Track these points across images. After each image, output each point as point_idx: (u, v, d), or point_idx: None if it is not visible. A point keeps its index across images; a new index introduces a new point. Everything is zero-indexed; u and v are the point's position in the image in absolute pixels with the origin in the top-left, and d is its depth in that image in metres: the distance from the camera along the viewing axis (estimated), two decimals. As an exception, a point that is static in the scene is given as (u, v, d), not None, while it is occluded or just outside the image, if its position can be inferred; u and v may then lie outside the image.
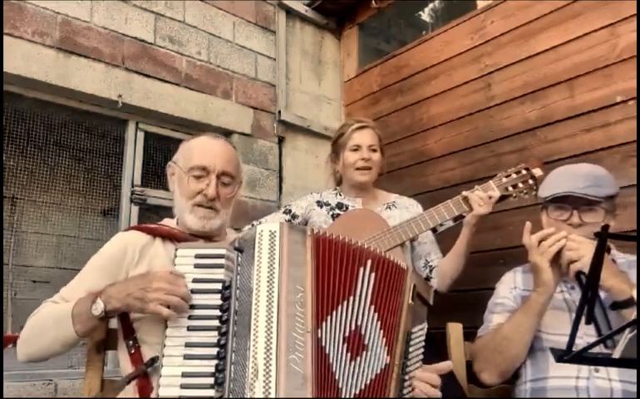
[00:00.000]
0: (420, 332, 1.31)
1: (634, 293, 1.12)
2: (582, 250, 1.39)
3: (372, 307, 1.20)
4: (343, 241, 1.22)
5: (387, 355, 1.20)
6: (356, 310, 1.18)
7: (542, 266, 1.46)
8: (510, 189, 1.94)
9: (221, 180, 1.46)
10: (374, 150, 2.15)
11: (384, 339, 1.21)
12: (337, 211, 2.15)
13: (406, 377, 1.24)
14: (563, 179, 1.60)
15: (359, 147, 2.13)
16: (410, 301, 1.27)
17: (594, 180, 1.55)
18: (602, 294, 1.28)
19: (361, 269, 1.21)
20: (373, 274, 1.22)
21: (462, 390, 1.71)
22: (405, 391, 1.23)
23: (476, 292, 2.28)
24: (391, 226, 1.99)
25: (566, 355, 0.92)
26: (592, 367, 1.42)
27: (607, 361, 1.07)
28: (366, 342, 1.18)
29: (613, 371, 1.41)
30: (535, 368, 1.53)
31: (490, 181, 1.96)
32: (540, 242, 1.48)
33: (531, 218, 2.28)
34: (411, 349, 1.27)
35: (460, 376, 1.72)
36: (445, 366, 1.32)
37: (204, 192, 1.43)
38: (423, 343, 1.31)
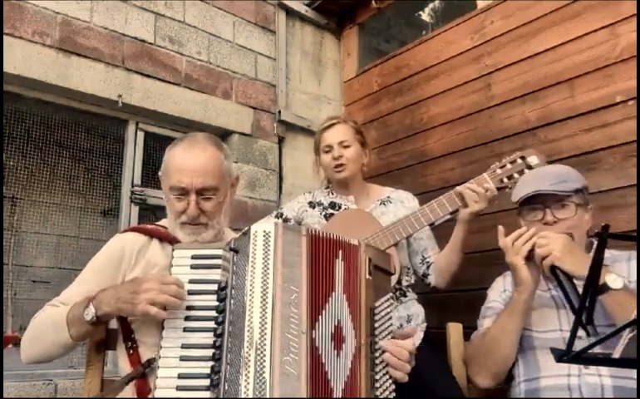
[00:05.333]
0: (385, 304, 1.28)
1: (607, 279, 1.13)
2: (551, 245, 1.42)
3: (344, 296, 1.20)
4: (326, 235, 1.21)
5: (355, 338, 1.18)
6: (336, 305, 1.18)
7: (517, 265, 1.49)
8: (506, 180, 1.89)
9: (202, 196, 1.41)
10: (346, 146, 2.09)
11: (352, 323, 1.19)
12: (329, 211, 2.13)
13: (377, 354, 1.22)
14: (530, 182, 1.63)
15: (330, 147, 2.11)
16: (367, 276, 1.24)
17: (559, 177, 1.58)
18: (577, 283, 1.29)
19: (337, 261, 1.21)
20: (343, 263, 1.21)
21: (462, 390, 1.71)
22: (377, 369, 1.21)
23: (476, 292, 2.27)
24: (384, 224, 1.97)
25: (566, 355, 0.92)
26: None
27: (607, 361, 1.07)
28: (344, 333, 1.17)
29: (604, 368, 1.41)
30: (527, 368, 1.54)
31: (485, 174, 1.92)
32: (514, 242, 1.51)
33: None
34: (377, 324, 1.24)
35: (460, 377, 1.72)
36: (410, 330, 1.32)
37: (186, 213, 1.40)
38: (390, 315, 1.29)
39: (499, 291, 1.72)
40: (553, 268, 1.36)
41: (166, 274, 1.23)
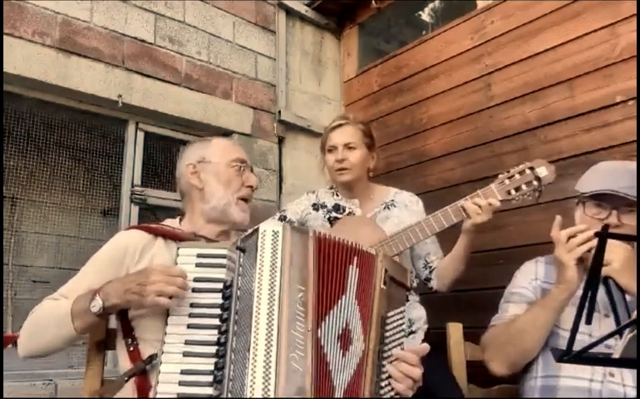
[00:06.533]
0: (397, 315, 1.29)
1: None
2: (612, 255, 1.31)
3: (356, 301, 1.21)
4: (340, 241, 1.23)
5: (362, 343, 1.20)
6: (346, 308, 1.19)
7: (568, 263, 1.41)
8: (513, 192, 1.80)
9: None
10: (351, 148, 2.05)
11: (362, 328, 1.21)
12: (333, 214, 2.10)
13: (384, 363, 1.23)
14: (605, 176, 1.52)
15: (334, 148, 2.06)
16: (382, 285, 1.25)
17: (636, 180, 1.46)
18: (628, 298, 1.27)
19: (350, 267, 1.22)
20: (358, 270, 1.23)
21: (462, 390, 1.71)
22: (383, 376, 1.22)
23: (476, 292, 2.29)
24: (387, 228, 1.95)
25: (566, 355, 0.92)
26: (607, 371, 1.40)
27: (607, 361, 1.07)
28: (351, 336, 1.19)
29: (628, 377, 1.39)
30: (547, 364, 1.50)
31: (492, 185, 1.83)
32: (569, 238, 1.43)
33: (530, 218, 2.30)
34: (387, 334, 1.25)
35: (460, 377, 1.72)
36: (422, 348, 1.29)
37: (249, 184, 1.56)
38: (403, 327, 1.30)
39: (528, 277, 1.65)
40: (606, 279, 1.27)
41: (171, 266, 1.24)
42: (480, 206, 1.80)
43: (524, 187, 1.80)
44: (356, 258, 1.23)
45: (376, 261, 1.27)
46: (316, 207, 2.15)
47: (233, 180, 1.54)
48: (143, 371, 1.28)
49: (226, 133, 2.95)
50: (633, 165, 1.61)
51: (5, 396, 2.04)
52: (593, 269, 0.95)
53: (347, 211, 2.10)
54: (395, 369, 1.22)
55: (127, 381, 1.29)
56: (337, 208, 2.12)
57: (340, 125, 2.09)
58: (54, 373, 2.30)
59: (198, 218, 1.54)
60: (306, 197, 2.22)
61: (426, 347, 1.30)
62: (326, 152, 2.12)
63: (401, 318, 1.30)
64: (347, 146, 2.05)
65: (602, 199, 1.50)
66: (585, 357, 0.96)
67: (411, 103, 2.99)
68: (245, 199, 1.56)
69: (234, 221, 1.52)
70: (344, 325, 1.18)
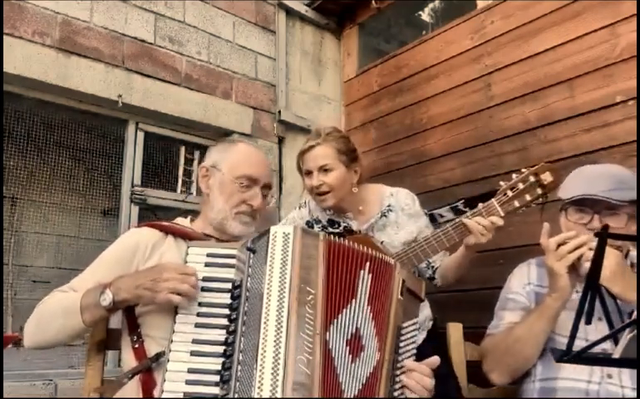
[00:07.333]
0: (411, 326, 1.31)
1: None
2: (603, 261, 1.32)
3: (369, 307, 1.22)
4: (350, 246, 1.24)
5: (378, 351, 1.21)
6: (356, 312, 1.20)
7: (559, 272, 1.39)
8: (516, 204, 1.71)
9: (263, 192, 1.51)
10: (327, 170, 1.91)
11: (376, 337, 1.22)
12: (329, 229, 2.04)
13: (398, 373, 1.24)
14: (585, 181, 1.50)
15: (310, 172, 1.94)
16: (399, 296, 1.27)
17: (618, 183, 1.45)
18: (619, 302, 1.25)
19: (362, 272, 1.23)
20: (370, 276, 1.24)
21: (461, 390, 1.71)
22: (396, 387, 1.23)
23: (476, 292, 2.29)
24: (386, 237, 1.93)
25: (566, 355, 0.92)
26: (605, 372, 1.40)
27: (607, 360, 1.07)
28: (363, 342, 1.19)
29: (626, 378, 1.38)
30: (546, 368, 1.50)
31: (494, 200, 1.73)
32: (559, 246, 1.40)
33: (531, 218, 2.29)
34: (401, 344, 1.26)
35: (460, 376, 1.72)
36: (432, 361, 1.29)
37: (250, 202, 1.48)
38: (415, 338, 1.31)
39: (522, 282, 1.64)
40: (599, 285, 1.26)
41: (184, 264, 1.25)
42: (483, 226, 1.73)
43: (528, 197, 1.70)
44: (368, 264, 1.24)
45: (394, 271, 1.28)
46: (310, 224, 2.08)
47: (234, 195, 1.48)
48: (148, 368, 1.28)
49: (226, 133, 2.95)
50: (615, 167, 1.61)
51: (5, 396, 2.04)
52: (592, 270, 0.95)
53: (343, 225, 2.03)
54: (410, 380, 1.23)
55: (132, 378, 1.29)
56: (332, 223, 2.06)
57: (311, 148, 1.94)
58: (54, 373, 2.30)
59: (207, 220, 1.54)
60: (298, 213, 2.13)
61: (436, 360, 1.30)
62: (303, 175, 2.01)
63: (414, 329, 1.32)
64: (322, 169, 1.92)
65: (583, 204, 1.49)
66: (585, 357, 0.96)
67: (411, 103, 2.99)
68: (245, 213, 1.48)
69: (232, 234, 1.47)
70: (354, 330, 1.18)
